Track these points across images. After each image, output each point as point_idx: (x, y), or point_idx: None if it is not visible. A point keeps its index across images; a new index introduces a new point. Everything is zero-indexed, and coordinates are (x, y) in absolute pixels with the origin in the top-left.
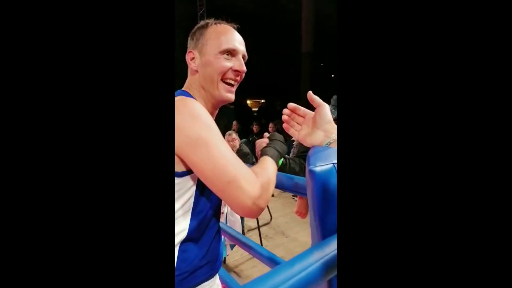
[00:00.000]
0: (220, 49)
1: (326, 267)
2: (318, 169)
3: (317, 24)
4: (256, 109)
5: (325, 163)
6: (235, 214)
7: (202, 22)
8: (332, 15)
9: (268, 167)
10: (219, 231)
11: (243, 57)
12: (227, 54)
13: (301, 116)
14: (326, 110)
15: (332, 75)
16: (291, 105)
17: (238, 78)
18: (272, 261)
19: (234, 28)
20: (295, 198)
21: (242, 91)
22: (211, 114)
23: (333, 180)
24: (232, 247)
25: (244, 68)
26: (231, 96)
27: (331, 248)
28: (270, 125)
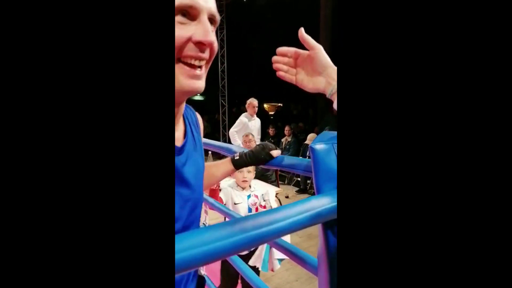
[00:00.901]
0: None
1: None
2: (318, 147)
3: (335, 27)
4: (272, 112)
5: (325, 142)
6: None
7: None
8: None
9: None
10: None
11: (211, 19)
12: (183, 16)
13: (294, 59)
14: (322, 54)
15: None
16: (279, 50)
17: (205, 55)
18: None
19: None
20: None
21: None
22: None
23: (331, 156)
24: (280, 261)
25: (211, 38)
26: (197, 84)
27: (314, 204)
28: (286, 128)
